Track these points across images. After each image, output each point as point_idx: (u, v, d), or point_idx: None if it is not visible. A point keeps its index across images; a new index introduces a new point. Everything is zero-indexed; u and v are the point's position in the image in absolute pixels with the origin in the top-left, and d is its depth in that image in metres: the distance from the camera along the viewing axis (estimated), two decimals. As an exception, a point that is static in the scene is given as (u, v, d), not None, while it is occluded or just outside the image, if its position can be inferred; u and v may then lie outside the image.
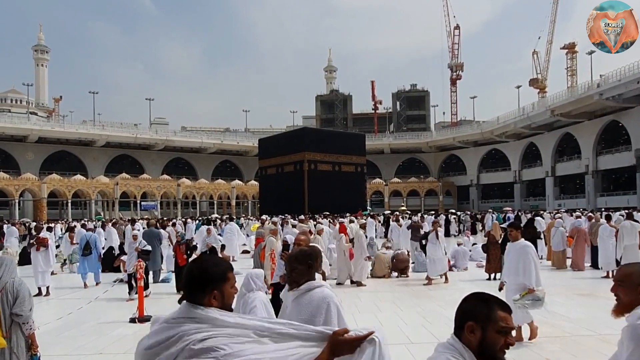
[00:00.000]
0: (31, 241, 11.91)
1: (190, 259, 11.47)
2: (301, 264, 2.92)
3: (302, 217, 23.70)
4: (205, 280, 1.90)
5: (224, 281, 1.93)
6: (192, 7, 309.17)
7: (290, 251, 4.89)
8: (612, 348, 6.48)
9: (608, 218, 13.87)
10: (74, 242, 15.68)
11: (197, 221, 30.71)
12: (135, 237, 11.61)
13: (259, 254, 10.94)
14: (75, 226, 20.17)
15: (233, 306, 3.17)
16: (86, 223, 23.60)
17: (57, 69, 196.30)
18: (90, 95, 71.64)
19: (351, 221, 17.28)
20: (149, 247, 11.31)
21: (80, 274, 13.03)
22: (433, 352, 1.85)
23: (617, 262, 12.72)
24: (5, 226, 22.65)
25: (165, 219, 33.13)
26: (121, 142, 67.12)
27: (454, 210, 43.02)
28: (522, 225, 17.01)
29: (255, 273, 4.46)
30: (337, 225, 15.86)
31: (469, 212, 39.23)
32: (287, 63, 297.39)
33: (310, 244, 5.71)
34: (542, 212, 34.23)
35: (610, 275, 12.44)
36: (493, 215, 31.40)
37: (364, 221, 16.35)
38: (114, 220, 23.32)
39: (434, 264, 12.24)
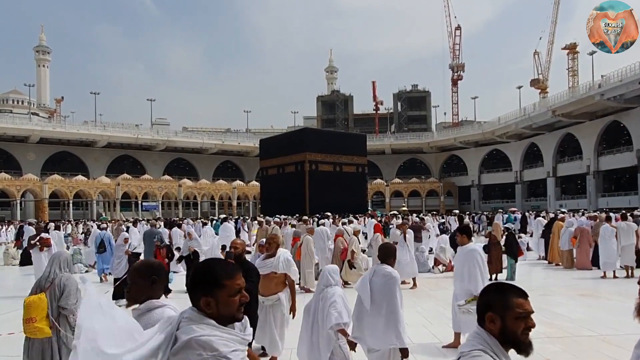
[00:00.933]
0: (32, 241, 11.88)
1: (172, 263, 11.22)
2: (142, 278, 2.51)
3: (305, 217, 23.76)
4: (192, 285, 1.88)
5: (217, 287, 1.84)
6: (194, 8, 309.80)
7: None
8: (613, 349, 6.50)
9: (609, 219, 13.90)
10: (81, 241, 15.85)
11: (215, 221, 29.66)
12: (126, 240, 11.50)
13: (294, 252, 11.25)
14: (119, 225, 20.58)
15: (311, 299, 2.94)
16: (101, 223, 23.86)
17: (59, 70, 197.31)
18: (91, 96, 71.93)
19: (350, 222, 17.25)
20: (139, 250, 11.27)
21: (97, 269, 13.90)
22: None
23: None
24: (25, 226, 22.87)
25: (195, 218, 33.67)
26: (122, 142, 67.21)
27: (457, 211, 42.79)
28: (544, 225, 17.00)
29: (333, 269, 4.64)
30: (346, 225, 15.85)
31: (486, 213, 38.76)
32: (289, 63, 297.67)
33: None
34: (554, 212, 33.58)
35: (612, 275, 12.47)
36: (504, 215, 30.90)
37: (408, 222, 16.25)
38: (133, 220, 23.33)
39: (402, 268, 11.58)
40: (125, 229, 19.54)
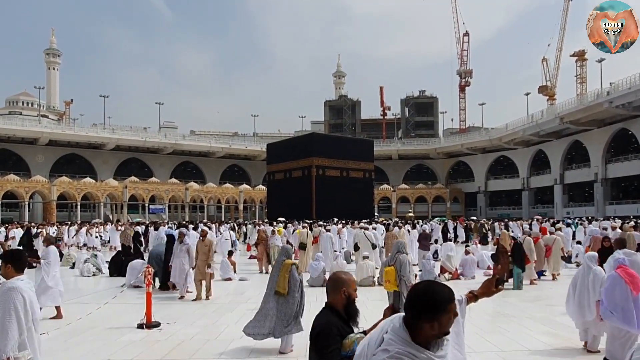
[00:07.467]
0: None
1: None
2: None
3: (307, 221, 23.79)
4: (417, 310, 1.99)
5: (443, 312, 1.97)
6: (207, 12, 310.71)
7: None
8: (621, 362, 6.39)
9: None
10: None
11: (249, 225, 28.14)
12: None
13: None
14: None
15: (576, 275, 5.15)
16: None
17: (69, 73, 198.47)
18: (100, 98, 72.33)
19: (362, 227, 17.24)
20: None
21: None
22: None
23: None
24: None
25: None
26: (130, 145, 67.58)
27: (473, 218, 41.03)
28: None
29: (592, 256, 6.94)
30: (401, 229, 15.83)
31: (524, 220, 37.34)
32: (297, 68, 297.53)
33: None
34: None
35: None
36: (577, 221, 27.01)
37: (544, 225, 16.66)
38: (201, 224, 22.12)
39: None
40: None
